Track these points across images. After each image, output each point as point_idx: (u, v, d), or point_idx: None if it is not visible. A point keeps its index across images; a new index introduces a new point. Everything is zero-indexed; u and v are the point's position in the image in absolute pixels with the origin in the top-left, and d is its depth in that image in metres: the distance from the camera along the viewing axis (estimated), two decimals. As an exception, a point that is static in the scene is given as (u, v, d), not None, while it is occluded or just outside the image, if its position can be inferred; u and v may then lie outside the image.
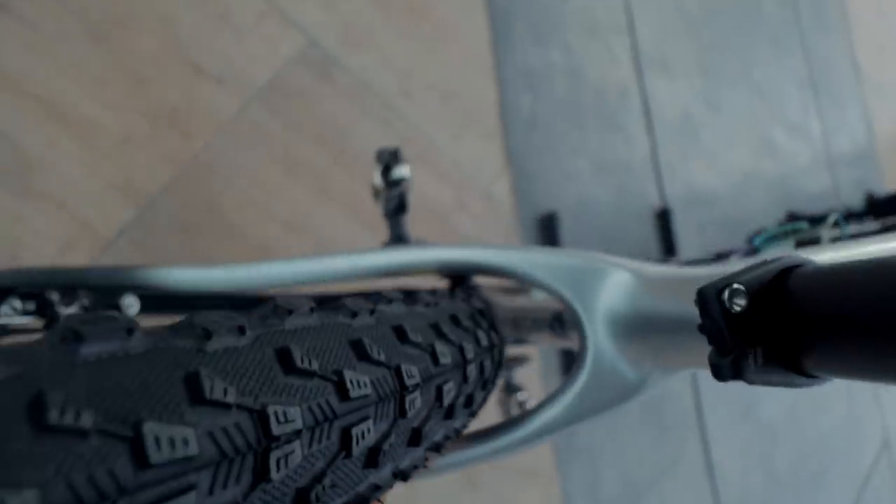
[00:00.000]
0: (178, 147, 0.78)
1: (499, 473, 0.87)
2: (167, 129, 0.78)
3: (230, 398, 0.14)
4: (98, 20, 0.76)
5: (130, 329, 0.14)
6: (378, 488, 0.20)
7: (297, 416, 0.15)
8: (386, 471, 0.20)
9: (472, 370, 0.26)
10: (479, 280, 0.42)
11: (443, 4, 0.97)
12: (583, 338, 0.31)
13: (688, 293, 0.25)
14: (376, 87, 0.90)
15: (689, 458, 1.06)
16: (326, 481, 0.17)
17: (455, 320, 0.27)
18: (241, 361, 0.15)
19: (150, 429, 0.12)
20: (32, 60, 0.73)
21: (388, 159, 0.50)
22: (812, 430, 1.24)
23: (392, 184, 0.50)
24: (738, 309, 0.20)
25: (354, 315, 0.20)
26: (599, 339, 0.30)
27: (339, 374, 0.18)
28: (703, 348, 0.22)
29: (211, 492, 0.13)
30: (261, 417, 0.15)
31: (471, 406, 0.27)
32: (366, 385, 0.18)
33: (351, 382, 0.17)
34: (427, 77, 0.94)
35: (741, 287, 0.20)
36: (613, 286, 0.31)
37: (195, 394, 0.14)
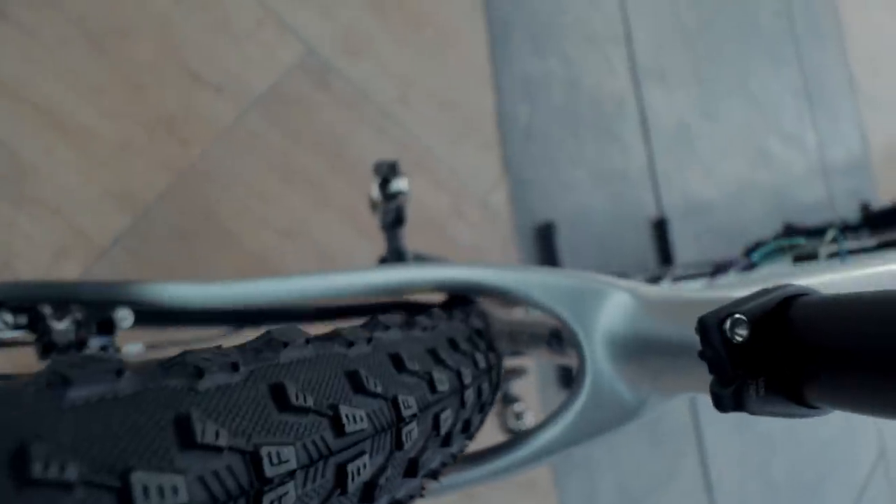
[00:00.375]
0: (176, 155, 0.78)
1: (496, 486, 0.86)
2: (164, 136, 0.78)
3: (222, 441, 0.14)
4: (96, 28, 0.76)
5: (119, 370, 0.13)
6: (373, 520, 0.20)
7: (291, 456, 0.15)
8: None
9: (469, 395, 0.26)
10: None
11: (442, 13, 0.97)
12: (582, 358, 0.30)
13: (688, 318, 0.25)
14: (374, 94, 0.90)
15: (687, 469, 1.06)
16: (321, 519, 0.16)
17: (453, 344, 0.27)
18: (234, 400, 0.15)
19: (138, 478, 0.12)
20: (30, 67, 0.72)
21: (387, 172, 0.50)
22: (809, 440, 1.24)
23: (390, 197, 0.50)
24: (739, 339, 0.20)
25: (351, 344, 0.20)
26: (598, 359, 0.30)
27: (335, 408, 0.17)
28: (703, 373, 0.22)
29: None
30: (254, 459, 0.14)
31: (468, 430, 0.27)
32: (362, 419, 0.18)
33: (346, 417, 0.17)
34: (425, 85, 0.94)
35: (743, 317, 0.20)
36: (612, 307, 0.30)
37: (186, 437, 0.13)
